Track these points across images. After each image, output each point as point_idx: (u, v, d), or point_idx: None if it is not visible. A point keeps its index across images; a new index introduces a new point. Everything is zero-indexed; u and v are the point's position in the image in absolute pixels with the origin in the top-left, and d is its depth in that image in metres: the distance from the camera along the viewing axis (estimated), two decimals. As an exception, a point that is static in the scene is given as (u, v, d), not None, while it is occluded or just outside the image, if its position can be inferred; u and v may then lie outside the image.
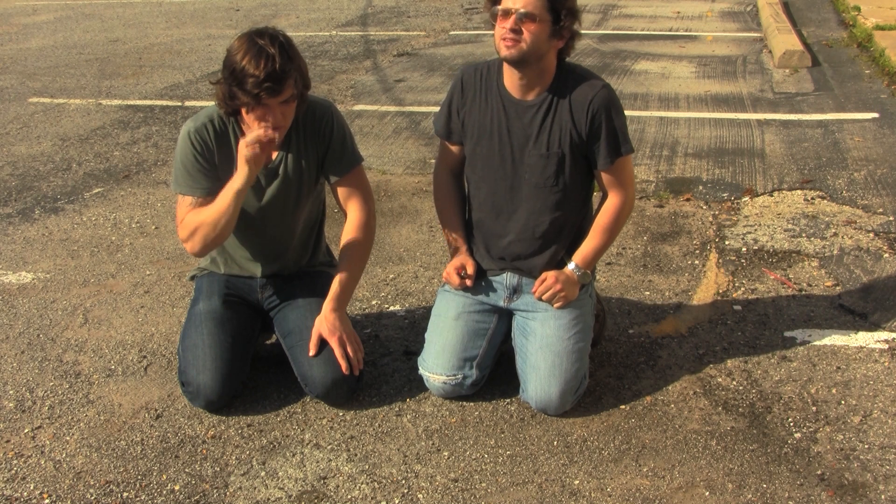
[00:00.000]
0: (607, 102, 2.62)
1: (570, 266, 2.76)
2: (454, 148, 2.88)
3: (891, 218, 4.16)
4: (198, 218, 2.70)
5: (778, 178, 4.75)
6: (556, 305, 2.75)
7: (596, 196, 2.84)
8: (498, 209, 2.79)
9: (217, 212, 2.66)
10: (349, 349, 2.75)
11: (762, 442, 2.61)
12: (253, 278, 2.97)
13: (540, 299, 2.76)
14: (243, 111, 2.61)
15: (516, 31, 2.51)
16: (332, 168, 2.83)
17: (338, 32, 9.53)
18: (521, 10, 2.49)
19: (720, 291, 3.53)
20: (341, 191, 2.86)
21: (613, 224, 2.76)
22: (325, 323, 2.76)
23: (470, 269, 2.84)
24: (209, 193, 2.74)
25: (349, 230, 2.84)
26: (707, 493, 2.40)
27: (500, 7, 2.53)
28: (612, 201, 2.75)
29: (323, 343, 2.76)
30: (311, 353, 2.75)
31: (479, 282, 2.87)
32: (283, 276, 2.98)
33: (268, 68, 2.46)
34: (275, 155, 2.78)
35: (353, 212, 2.86)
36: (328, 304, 2.79)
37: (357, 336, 2.82)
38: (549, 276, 2.74)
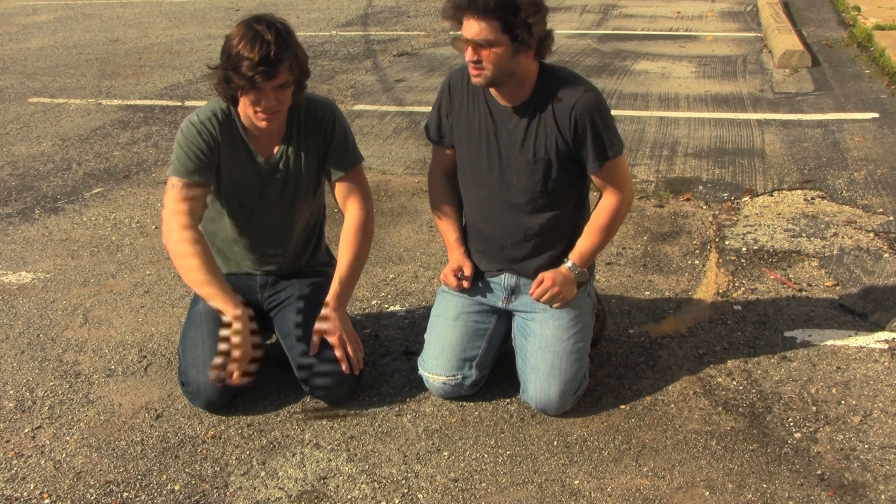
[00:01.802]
0: (590, 107, 2.59)
1: (567, 264, 2.75)
2: (447, 151, 2.88)
3: (891, 218, 4.16)
4: (177, 254, 2.67)
5: (778, 178, 4.75)
6: (554, 306, 2.75)
7: (594, 194, 2.83)
8: (488, 214, 2.78)
9: (187, 274, 2.68)
10: (349, 349, 2.75)
11: (762, 442, 2.61)
12: (252, 277, 2.98)
13: (538, 300, 2.75)
14: (239, 94, 2.63)
15: (476, 60, 2.49)
16: (332, 166, 2.84)
17: (338, 32, 9.54)
18: (475, 40, 2.46)
19: (720, 291, 3.53)
20: (341, 190, 2.86)
21: (610, 223, 2.74)
22: (325, 322, 2.76)
23: (467, 271, 2.84)
24: (199, 180, 2.69)
25: (348, 230, 2.84)
26: (707, 493, 2.41)
27: (460, 37, 2.52)
28: (609, 201, 2.73)
29: (323, 342, 2.76)
30: (312, 352, 2.75)
31: (477, 283, 2.87)
32: (282, 276, 2.99)
33: (262, 52, 2.49)
34: (276, 150, 2.80)
35: (352, 211, 2.86)
36: (328, 304, 2.79)
37: (357, 336, 2.82)
38: (546, 277, 2.73)
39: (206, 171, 2.72)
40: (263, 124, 2.66)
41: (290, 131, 2.79)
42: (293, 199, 2.85)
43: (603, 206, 2.74)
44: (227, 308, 2.61)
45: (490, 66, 2.50)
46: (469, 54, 2.50)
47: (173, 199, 2.69)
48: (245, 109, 2.68)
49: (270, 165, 2.80)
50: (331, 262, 3.11)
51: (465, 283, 2.84)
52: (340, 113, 2.86)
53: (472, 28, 2.45)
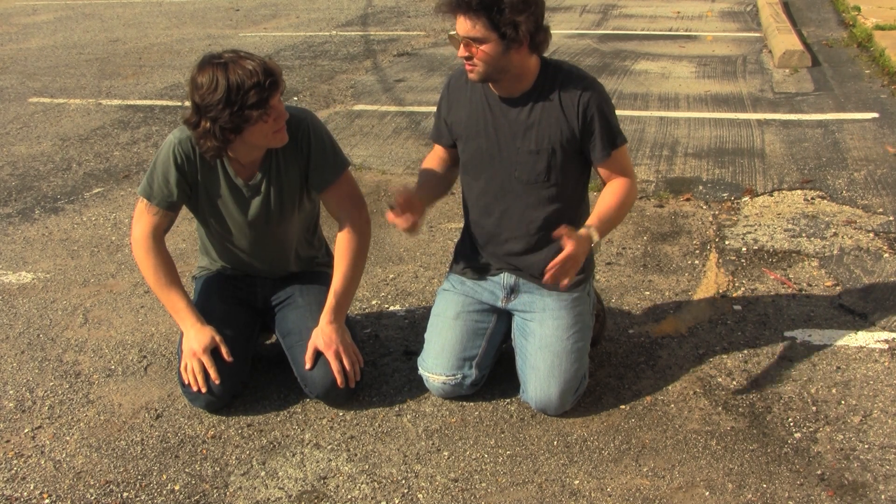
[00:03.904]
0: (598, 97, 2.62)
1: (589, 230, 2.56)
2: (446, 149, 2.89)
3: (891, 218, 4.16)
4: (138, 263, 2.76)
5: (778, 178, 4.75)
6: (564, 283, 2.53)
7: (593, 194, 2.83)
8: (491, 207, 2.78)
9: (147, 282, 2.79)
10: (346, 362, 2.73)
11: (762, 442, 2.61)
12: (252, 278, 2.98)
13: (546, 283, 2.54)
14: (251, 133, 2.53)
15: (468, 56, 2.51)
16: (316, 179, 2.78)
17: (338, 32, 9.54)
18: (465, 36, 2.49)
19: (720, 291, 3.53)
20: (330, 200, 2.82)
21: (624, 198, 2.65)
22: (321, 336, 2.74)
23: (400, 199, 2.55)
24: (159, 205, 2.72)
25: (342, 240, 2.79)
26: (707, 493, 2.41)
27: (455, 34, 2.54)
28: (619, 181, 2.68)
29: (319, 354, 2.75)
30: (307, 366, 2.73)
31: (478, 282, 2.87)
32: (282, 277, 2.98)
33: (259, 67, 2.45)
34: (257, 173, 2.75)
35: (346, 219, 2.80)
36: (325, 317, 2.76)
37: (355, 347, 2.80)
38: (568, 244, 2.45)
39: (169, 199, 2.71)
40: (286, 136, 2.62)
41: (269, 151, 2.72)
42: (279, 217, 2.81)
43: (614, 185, 2.68)
44: (177, 321, 2.78)
45: (481, 63, 2.52)
46: (461, 51, 2.52)
47: (138, 210, 2.76)
48: (256, 140, 2.58)
49: (252, 188, 2.76)
50: (330, 263, 3.10)
51: (402, 214, 2.55)
52: (316, 122, 2.77)
53: (463, 25, 2.48)
